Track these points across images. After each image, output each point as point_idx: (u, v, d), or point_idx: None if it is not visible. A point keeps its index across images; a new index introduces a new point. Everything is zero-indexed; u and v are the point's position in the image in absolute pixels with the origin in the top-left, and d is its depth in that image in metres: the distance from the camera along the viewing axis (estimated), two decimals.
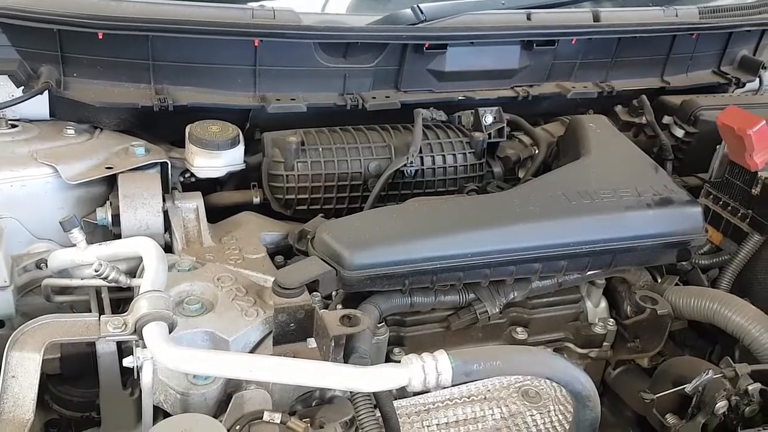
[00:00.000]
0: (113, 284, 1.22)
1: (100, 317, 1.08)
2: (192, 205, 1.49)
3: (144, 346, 1.03)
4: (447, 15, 1.76)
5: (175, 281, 1.26)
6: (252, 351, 1.20)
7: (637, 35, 1.92)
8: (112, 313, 1.25)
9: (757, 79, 2.20)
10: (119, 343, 1.20)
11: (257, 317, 1.21)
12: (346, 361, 1.18)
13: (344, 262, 1.26)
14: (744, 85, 2.21)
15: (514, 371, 1.12)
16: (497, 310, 1.45)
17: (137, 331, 1.03)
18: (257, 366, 0.97)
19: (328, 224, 1.35)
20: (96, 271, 1.17)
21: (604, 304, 1.60)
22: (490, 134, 1.76)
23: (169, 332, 1.04)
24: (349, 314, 1.17)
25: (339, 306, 1.34)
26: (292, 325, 1.18)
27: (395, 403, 1.34)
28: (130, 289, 1.27)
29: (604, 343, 1.57)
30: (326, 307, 1.35)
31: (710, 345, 1.66)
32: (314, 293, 1.28)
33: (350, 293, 1.34)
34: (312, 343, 1.21)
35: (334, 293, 1.35)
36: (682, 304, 1.48)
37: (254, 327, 1.20)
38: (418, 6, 1.76)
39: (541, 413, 1.41)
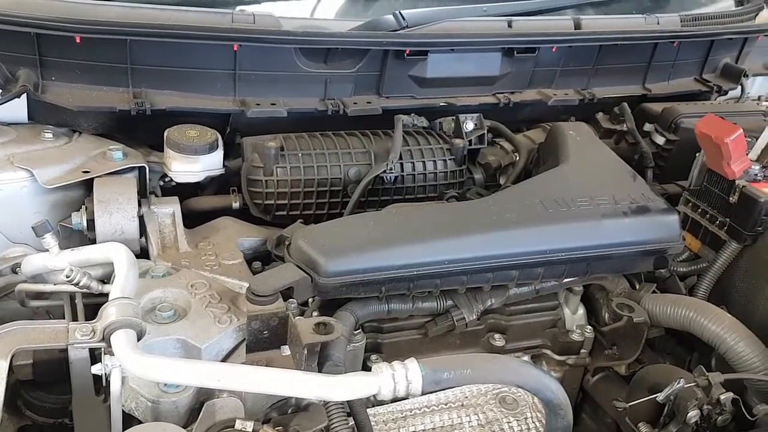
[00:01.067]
0: (85, 290, 1.21)
1: (68, 324, 1.07)
2: (168, 210, 1.48)
3: (113, 354, 1.02)
4: (428, 21, 1.77)
5: (148, 287, 1.26)
6: (225, 358, 1.20)
7: (618, 43, 1.93)
8: (86, 319, 1.24)
9: (739, 87, 2.22)
10: (92, 350, 1.19)
11: (230, 324, 1.20)
12: (320, 369, 1.18)
13: (319, 269, 1.26)
14: (726, 92, 2.23)
15: (484, 380, 1.12)
16: (475, 317, 1.45)
17: (105, 338, 1.02)
18: (226, 375, 0.96)
19: (304, 230, 1.35)
20: (67, 277, 1.16)
21: (582, 311, 1.60)
22: (470, 141, 1.76)
23: (138, 340, 1.03)
24: (324, 322, 1.16)
25: (315, 313, 1.34)
26: (265, 332, 1.18)
27: (371, 411, 1.35)
28: (103, 294, 1.26)
29: (582, 350, 1.57)
30: (302, 313, 1.34)
31: (689, 353, 1.67)
32: (290, 300, 1.27)
33: (326, 300, 1.33)
34: (286, 350, 1.20)
35: (310, 300, 1.35)
36: (658, 312, 1.49)
37: (227, 334, 1.19)
38: (399, 12, 1.76)
39: (518, 420, 1.41)
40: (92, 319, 1.10)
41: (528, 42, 1.83)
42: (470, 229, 1.37)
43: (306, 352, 1.10)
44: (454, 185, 1.75)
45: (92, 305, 1.35)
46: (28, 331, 1.07)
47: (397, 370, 0.98)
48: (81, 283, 1.18)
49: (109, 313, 1.04)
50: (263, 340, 1.18)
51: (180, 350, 1.17)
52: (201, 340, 1.16)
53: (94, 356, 1.20)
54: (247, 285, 1.31)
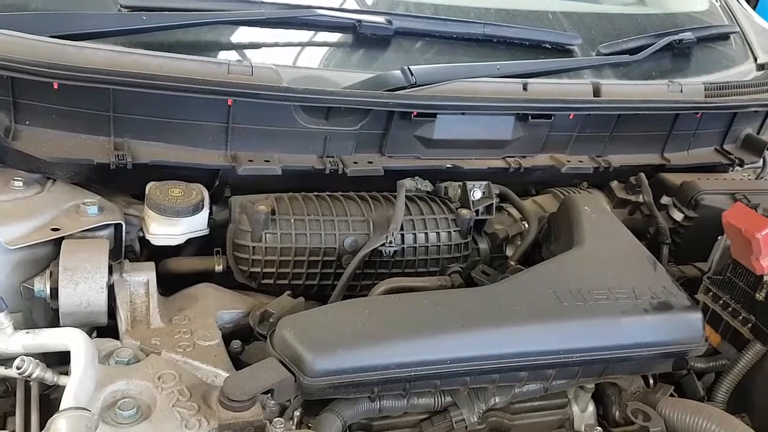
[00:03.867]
0: (39, 381, 1.07)
1: None
2: (142, 278, 1.34)
3: None
4: (439, 81, 1.64)
5: (111, 377, 1.11)
6: None
7: (639, 113, 1.81)
8: (40, 411, 1.09)
9: (761, 160, 2.10)
10: None
11: (198, 429, 1.06)
12: None
13: (305, 368, 1.12)
14: (745, 165, 2.11)
15: None
16: (476, 419, 1.31)
17: None
18: None
19: (290, 319, 1.21)
20: (18, 368, 1.02)
21: (591, 408, 1.46)
22: (477, 211, 1.63)
23: None
24: None
25: (297, 412, 1.19)
26: None
27: None
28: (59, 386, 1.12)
29: None
30: (283, 411, 1.20)
31: None
32: (268, 397, 1.13)
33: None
34: None
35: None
36: (675, 420, 1.35)
37: None
38: (408, 68, 1.64)
39: None
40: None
41: (544, 108, 1.71)
42: (476, 325, 1.23)
43: None
44: (459, 259, 1.61)
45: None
46: None
47: None
48: (34, 375, 1.04)
49: (58, 429, 0.89)
50: None
51: None
52: None
53: None
54: (223, 373, 1.18)
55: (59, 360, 1.20)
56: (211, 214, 1.56)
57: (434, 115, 1.63)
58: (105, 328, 1.34)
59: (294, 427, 1.15)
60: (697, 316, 1.36)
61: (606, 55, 1.99)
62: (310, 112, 1.57)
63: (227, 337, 1.38)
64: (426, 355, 1.18)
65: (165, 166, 1.49)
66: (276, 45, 1.75)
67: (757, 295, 1.46)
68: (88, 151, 1.45)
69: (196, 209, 1.42)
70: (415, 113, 1.60)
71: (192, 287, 1.47)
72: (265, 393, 1.12)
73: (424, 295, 1.33)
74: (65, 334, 1.10)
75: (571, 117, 1.77)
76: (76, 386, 0.98)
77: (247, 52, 1.70)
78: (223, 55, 1.67)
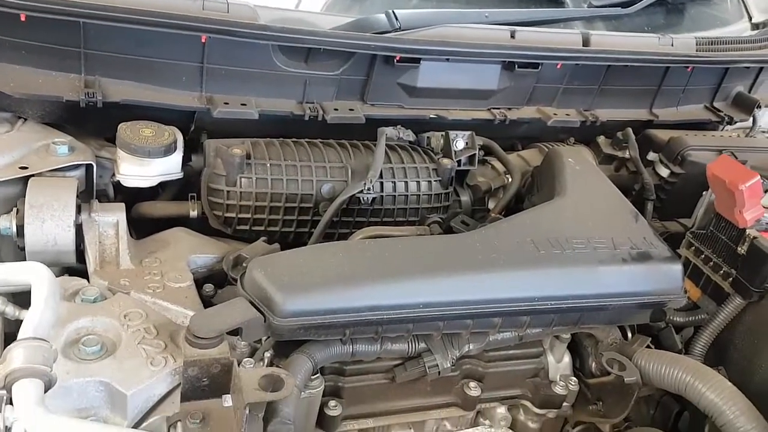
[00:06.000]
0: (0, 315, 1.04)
1: None
2: (112, 219, 1.31)
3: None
4: (424, 25, 1.59)
5: (76, 314, 1.09)
6: (155, 406, 1.03)
7: (628, 64, 1.77)
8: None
9: (751, 118, 2.07)
10: None
11: (165, 367, 1.04)
12: (265, 426, 1.02)
13: (275, 308, 1.09)
14: (735, 123, 2.08)
15: None
16: (449, 364, 1.29)
17: (6, 387, 0.86)
18: None
19: (261, 260, 1.18)
20: None
21: (567, 359, 1.45)
22: (459, 161, 1.59)
23: (46, 391, 0.87)
24: (273, 374, 1.00)
25: (268, 353, 1.17)
26: (204, 380, 1.01)
27: None
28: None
29: (564, 404, 1.42)
30: (254, 352, 1.18)
31: (677, 403, 1.53)
32: (239, 338, 1.11)
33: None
34: (229, 400, 1.04)
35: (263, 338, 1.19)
36: (652, 371, 1.34)
37: (160, 378, 1.03)
38: (393, 12, 1.58)
39: None
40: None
41: (531, 56, 1.66)
42: (451, 270, 1.21)
43: (247, 411, 0.94)
44: (439, 209, 1.58)
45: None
46: None
47: None
48: None
49: (14, 357, 0.87)
50: (201, 389, 1.01)
51: (103, 394, 1.01)
52: (128, 385, 1.00)
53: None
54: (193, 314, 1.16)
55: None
56: (189, 160, 1.52)
57: (418, 61, 1.59)
58: (79, 274, 1.31)
59: None
60: (677, 268, 1.35)
61: (597, 7, 1.94)
62: (288, 54, 1.52)
63: (201, 282, 1.36)
64: (398, 299, 1.16)
65: (137, 106, 1.44)
66: None
67: (739, 248, 1.44)
68: (58, 88, 1.40)
69: (168, 150, 1.38)
70: (398, 58, 1.55)
71: (165, 231, 1.44)
72: (234, 333, 1.10)
73: (399, 241, 1.30)
74: (26, 268, 1.07)
75: (558, 67, 1.73)
76: (34, 318, 0.96)
77: None
78: None
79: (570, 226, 1.35)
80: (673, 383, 1.31)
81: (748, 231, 1.42)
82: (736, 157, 1.73)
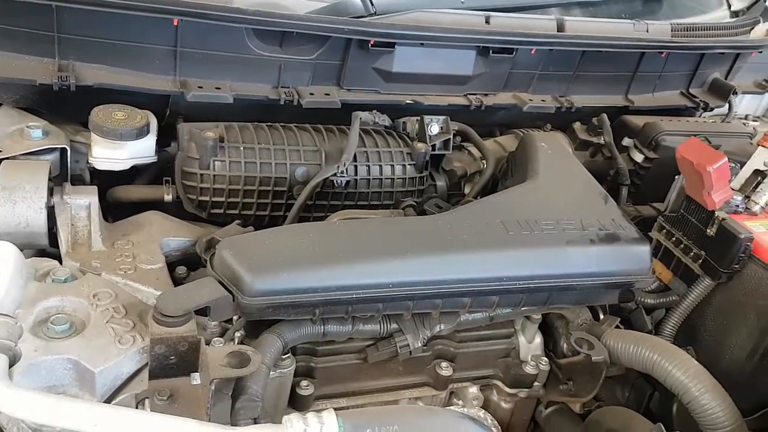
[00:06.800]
0: None
1: None
2: (84, 201, 1.31)
3: None
4: (399, 10, 1.61)
5: (45, 294, 1.09)
6: (124, 385, 1.04)
7: (602, 49, 1.78)
8: None
9: (727, 105, 2.09)
10: None
11: (132, 345, 1.05)
12: (233, 404, 1.04)
13: (243, 287, 1.10)
14: (712, 109, 2.10)
15: None
16: (420, 344, 1.31)
17: None
18: (104, 420, 0.81)
19: (231, 240, 1.19)
20: None
21: (539, 339, 1.47)
22: (434, 146, 1.60)
23: (10, 366, 0.87)
24: (240, 351, 1.01)
25: (239, 333, 1.19)
26: (172, 358, 1.02)
27: None
28: None
29: (535, 384, 1.44)
30: (224, 332, 1.19)
31: (650, 386, 1.55)
32: (208, 318, 1.12)
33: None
34: (197, 378, 1.05)
35: (234, 317, 1.20)
36: (620, 350, 1.36)
37: (128, 357, 1.04)
38: None
39: None
40: None
41: (506, 42, 1.67)
42: (420, 250, 1.22)
43: (213, 387, 0.96)
44: (413, 193, 1.60)
45: None
46: None
47: (311, 425, 0.84)
48: None
49: None
50: (169, 367, 1.03)
51: (71, 372, 1.02)
52: (96, 363, 1.01)
53: None
54: None
55: None
56: (167, 146, 1.53)
57: (392, 45, 1.59)
58: (53, 257, 1.32)
59: None
60: (644, 249, 1.37)
61: None
62: (262, 38, 1.52)
63: (174, 265, 1.37)
64: (367, 278, 1.17)
65: (111, 89, 1.44)
66: None
67: (708, 230, 1.46)
68: (31, 72, 1.40)
69: (141, 133, 1.38)
70: (372, 42, 1.56)
71: (138, 215, 1.44)
72: (203, 313, 1.11)
73: (369, 221, 1.32)
74: None
75: (533, 53, 1.74)
76: (0, 294, 0.96)
77: None
78: None
79: (540, 207, 1.37)
80: (641, 362, 1.33)
81: (717, 213, 1.45)
82: (710, 142, 1.75)
